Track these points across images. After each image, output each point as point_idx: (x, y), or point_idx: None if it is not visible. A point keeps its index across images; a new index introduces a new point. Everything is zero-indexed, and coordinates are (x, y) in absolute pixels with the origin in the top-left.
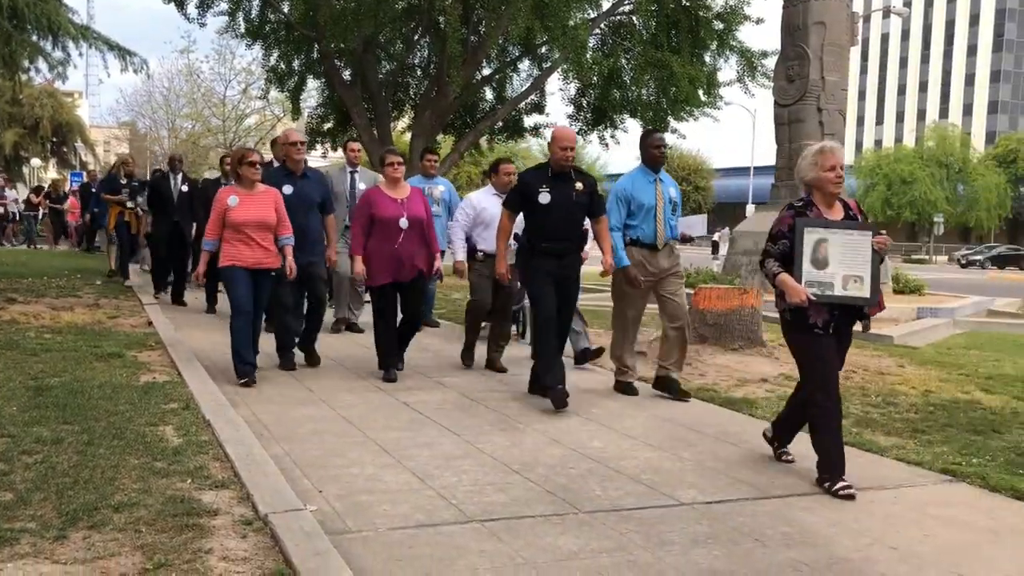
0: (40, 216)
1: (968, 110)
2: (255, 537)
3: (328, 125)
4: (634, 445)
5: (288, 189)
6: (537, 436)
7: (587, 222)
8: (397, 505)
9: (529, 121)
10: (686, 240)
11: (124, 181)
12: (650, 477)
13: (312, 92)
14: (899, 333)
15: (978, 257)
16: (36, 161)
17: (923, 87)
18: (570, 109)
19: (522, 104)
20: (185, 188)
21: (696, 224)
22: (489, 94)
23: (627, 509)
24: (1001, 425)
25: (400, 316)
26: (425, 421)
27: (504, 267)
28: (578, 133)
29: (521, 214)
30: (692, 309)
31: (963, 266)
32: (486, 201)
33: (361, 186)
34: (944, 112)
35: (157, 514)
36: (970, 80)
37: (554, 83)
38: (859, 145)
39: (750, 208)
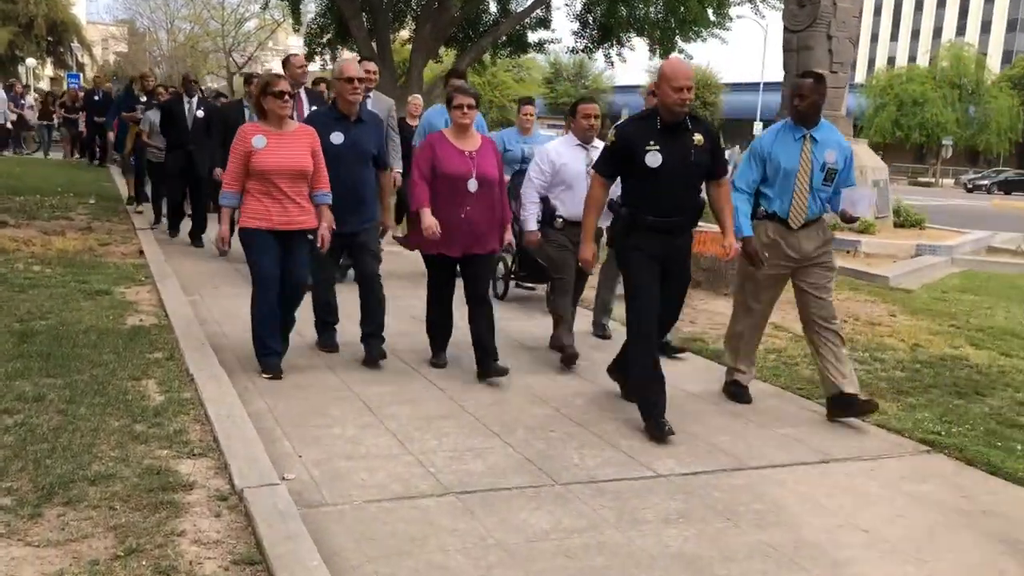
0: (56, 124)
1: (987, 28)
2: (229, 516)
3: (328, 36)
4: (616, 404)
5: (338, 137)
6: (520, 394)
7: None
8: (375, 473)
9: (533, 36)
10: (847, 220)
11: (143, 99)
12: (629, 443)
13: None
14: (895, 273)
15: (984, 182)
16: (31, 61)
17: (941, 3)
18: (575, 25)
19: (526, 19)
20: (201, 113)
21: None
22: (492, 6)
23: (603, 481)
24: (986, 387)
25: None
26: (413, 375)
27: (591, 251)
28: (583, 51)
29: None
30: None
31: (969, 190)
32: (567, 154)
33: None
34: (961, 29)
35: (133, 488)
36: None
37: None
38: (872, 62)
39: (758, 126)
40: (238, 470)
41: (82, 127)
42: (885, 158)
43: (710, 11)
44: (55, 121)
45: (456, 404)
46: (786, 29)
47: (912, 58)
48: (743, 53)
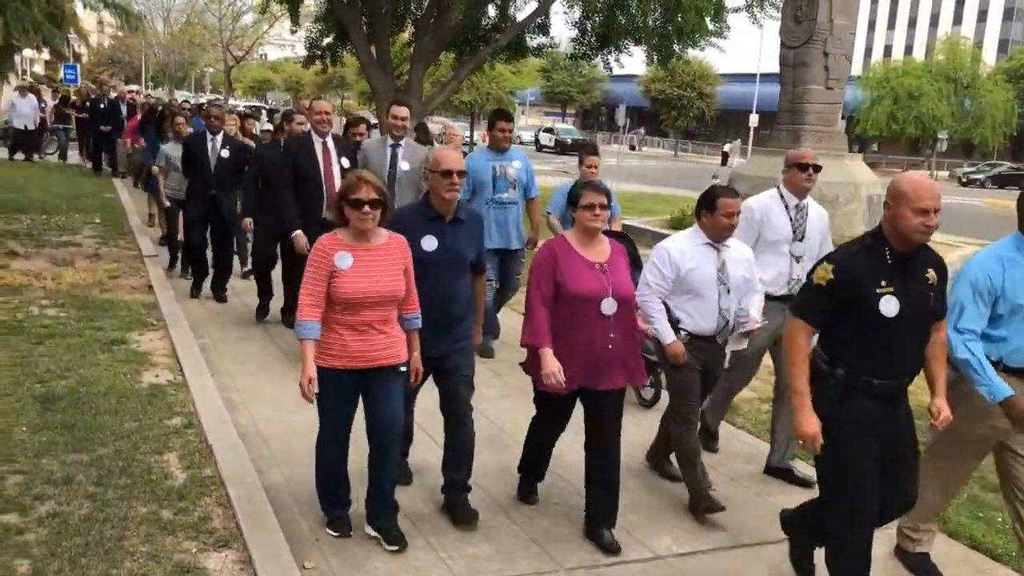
0: (71, 128)
1: (983, 16)
2: None
3: (327, 40)
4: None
5: (430, 243)
6: None
7: None
8: (388, 562)
9: (532, 42)
10: None
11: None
12: (630, 519)
13: (310, 9)
14: None
15: (979, 176)
16: (28, 52)
17: None
18: (574, 33)
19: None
20: (226, 153)
21: None
22: (492, 10)
23: (604, 566)
24: None
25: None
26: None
27: (814, 425)
28: (582, 57)
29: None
30: None
31: (963, 184)
32: (695, 256)
33: (404, 166)
34: (958, 18)
35: None
36: None
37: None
38: (869, 51)
39: (753, 117)
40: (262, 567)
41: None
42: (880, 151)
43: (708, 20)
44: (70, 124)
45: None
46: (783, 45)
47: (908, 47)
48: (739, 44)
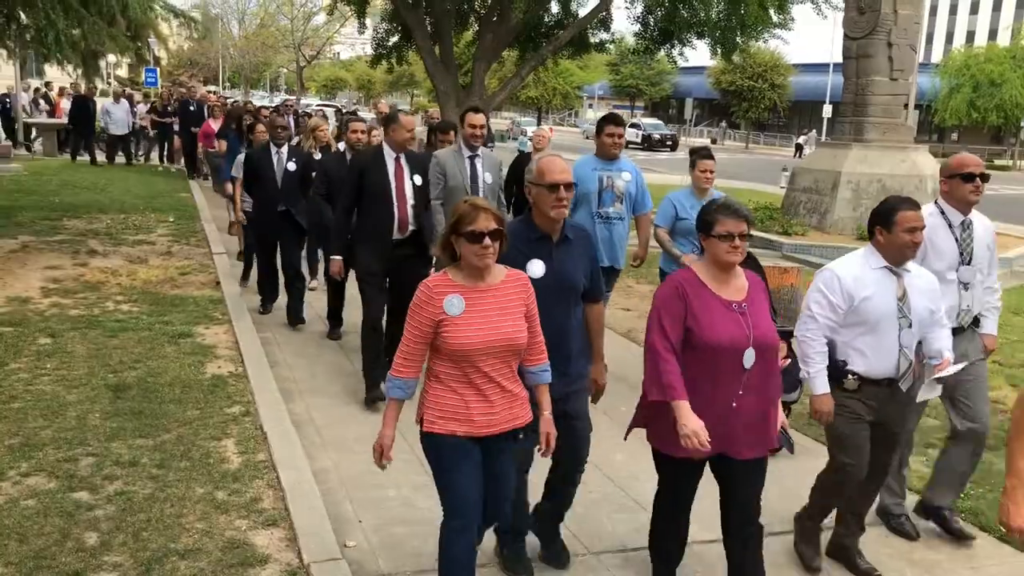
0: (150, 132)
1: None
2: None
3: (393, 40)
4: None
5: (538, 268)
6: None
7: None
8: (427, 541)
9: (594, 38)
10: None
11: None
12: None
13: (377, 7)
14: None
15: None
16: (111, 57)
17: None
18: (636, 27)
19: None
20: (293, 166)
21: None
22: (554, 7)
23: (631, 549)
24: None
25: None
26: None
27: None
28: (644, 52)
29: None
30: None
31: None
32: (871, 282)
33: (487, 178)
34: None
35: (216, 563)
36: None
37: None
38: (950, 36)
39: (827, 108)
40: (305, 544)
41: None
42: (961, 141)
43: (772, 11)
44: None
45: None
46: (846, 36)
47: (992, 33)
48: (812, 32)
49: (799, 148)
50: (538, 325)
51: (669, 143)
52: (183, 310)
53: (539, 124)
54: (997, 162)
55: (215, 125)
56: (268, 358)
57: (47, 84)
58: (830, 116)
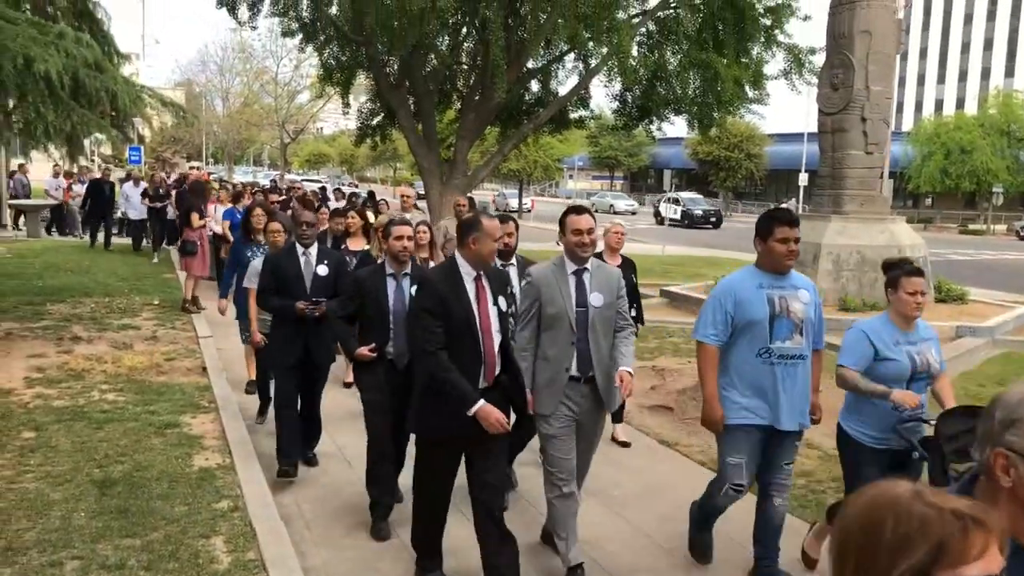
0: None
1: None
2: None
3: (377, 119)
4: (635, 535)
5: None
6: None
7: None
8: None
9: (574, 115)
10: None
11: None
12: None
13: (361, 85)
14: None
15: None
16: (96, 136)
17: (988, 45)
18: (615, 104)
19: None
20: (324, 270)
21: None
22: (535, 86)
23: None
24: None
25: None
26: None
27: None
28: (623, 127)
29: None
30: None
31: (1021, 237)
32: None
33: (595, 299)
34: (1010, 71)
35: None
36: None
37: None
38: (919, 105)
39: (803, 176)
40: None
41: (172, 215)
42: (935, 207)
43: (747, 87)
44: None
45: None
46: (821, 112)
47: (960, 101)
48: (786, 103)
49: None
50: None
51: (713, 220)
52: (169, 398)
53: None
54: (971, 227)
55: (221, 211)
56: (256, 448)
57: (20, 166)
58: (806, 184)
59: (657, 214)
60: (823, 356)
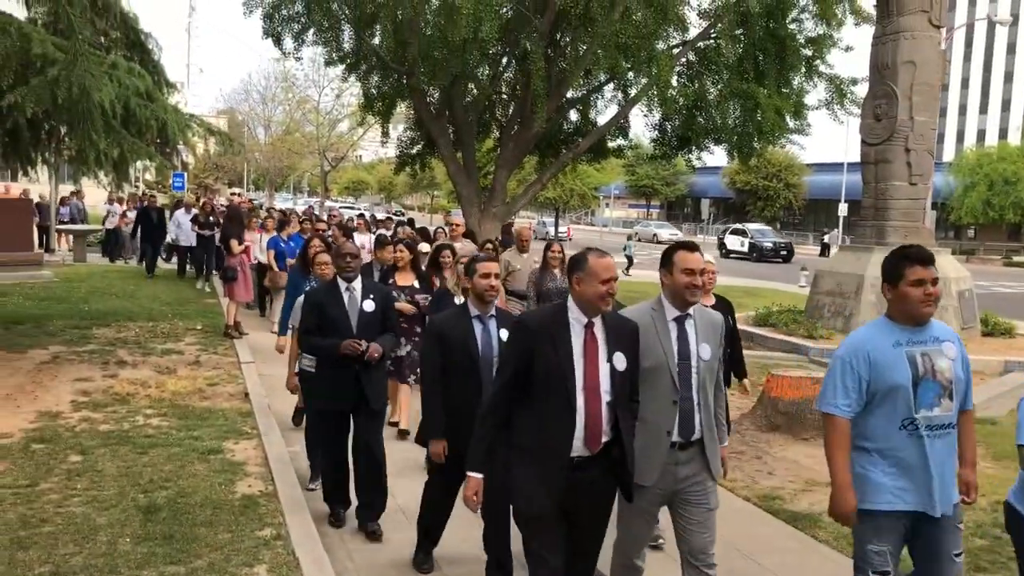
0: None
1: None
2: None
3: (416, 148)
4: None
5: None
6: None
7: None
8: None
9: (612, 143)
10: None
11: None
12: None
13: (400, 114)
14: (979, 399)
15: None
16: (140, 163)
17: None
18: (654, 134)
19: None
20: (371, 306)
21: None
22: (573, 115)
23: None
24: None
25: None
26: None
27: None
28: (662, 157)
29: None
30: (764, 396)
31: None
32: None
33: (703, 351)
34: None
35: None
36: None
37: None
38: (961, 135)
39: (843, 207)
40: None
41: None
42: (978, 238)
43: (788, 117)
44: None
45: None
46: (864, 142)
47: (1003, 131)
48: (825, 133)
49: (826, 247)
50: None
51: (784, 253)
52: (212, 424)
53: (556, 223)
54: (1016, 258)
55: (266, 239)
56: (298, 475)
57: (76, 192)
58: (845, 215)
59: (722, 246)
60: (972, 418)
